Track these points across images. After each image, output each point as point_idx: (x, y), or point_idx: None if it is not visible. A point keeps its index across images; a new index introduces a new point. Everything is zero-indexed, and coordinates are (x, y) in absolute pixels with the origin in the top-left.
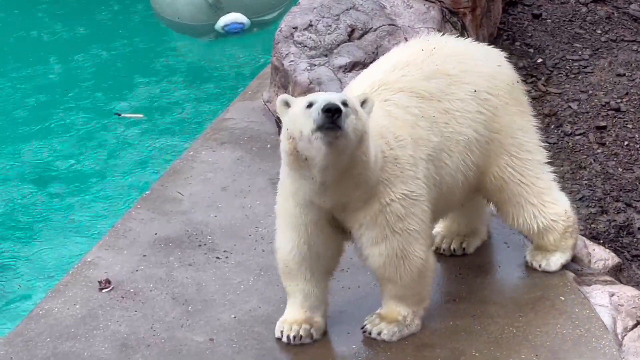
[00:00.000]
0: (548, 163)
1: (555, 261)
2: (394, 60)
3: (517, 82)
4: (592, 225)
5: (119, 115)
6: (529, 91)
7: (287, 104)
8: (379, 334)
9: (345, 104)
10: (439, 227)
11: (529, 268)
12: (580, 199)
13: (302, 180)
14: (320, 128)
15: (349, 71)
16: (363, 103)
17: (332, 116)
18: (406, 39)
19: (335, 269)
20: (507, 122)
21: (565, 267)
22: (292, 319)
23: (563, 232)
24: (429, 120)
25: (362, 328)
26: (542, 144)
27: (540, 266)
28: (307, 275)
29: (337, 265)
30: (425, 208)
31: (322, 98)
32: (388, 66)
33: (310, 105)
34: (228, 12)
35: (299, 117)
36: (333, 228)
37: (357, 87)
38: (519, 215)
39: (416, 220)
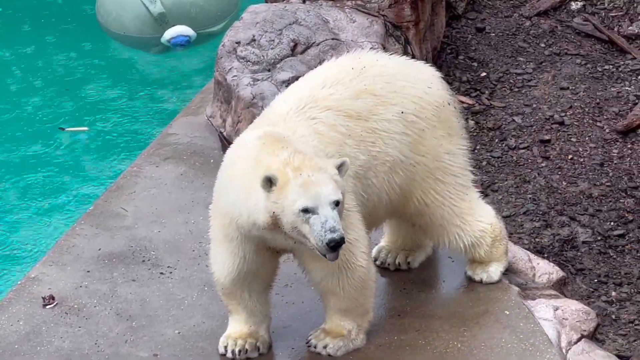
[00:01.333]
0: (475, 183)
1: (494, 271)
2: (323, 77)
3: (448, 103)
4: (537, 239)
5: (64, 129)
6: (472, 105)
7: (270, 182)
8: (325, 348)
9: (337, 203)
10: (384, 242)
11: (472, 282)
12: (524, 212)
13: (269, 234)
14: (322, 255)
15: None
16: (340, 166)
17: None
18: None
19: (273, 282)
20: (434, 145)
21: (509, 281)
22: (237, 334)
23: (491, 243)
24: (356, 139)
25: (307, 342)
26: (470, 167)
27: (482, 280)
28: (246, 295)
29: (274, 278)
30: (360, 217)
31: (323, 216)
32: (317, 82)
33: (306, 211)
34: (174, 25)
35: (290, 215)
36: (270, 249)
37: (284, 101)
38: (444, 237)
39: (354, 230)
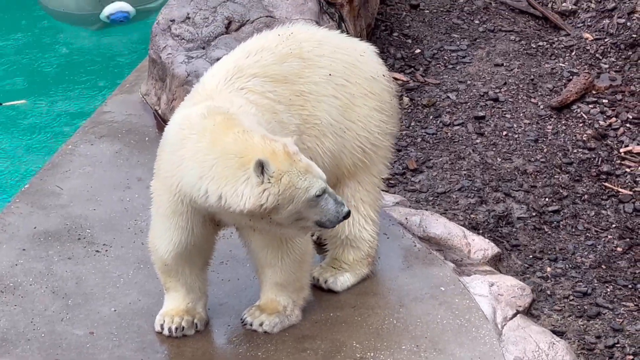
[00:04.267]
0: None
1: (343, 282)
2: (248, 47)
3: (383, 75)
4: (472, 216)
5: (1, 104)
6: (406, 82)
7: (262, 166)
8: (260, 325)
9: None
10: None
11: (408, 258)
12: (459, 189)
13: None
14: (327, 227)
15: None
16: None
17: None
18: None
19: (211, 258)
20: (365, 114)
21: (445, 257)
22: (174, 311)
23: (364, 257)
24: (286, 104)
25: (242, 321)
26: (390, 161)
27: (326, 282)
28: (187, 270)
29: (213, 254)
30: None
31: (332, 194)
32: (242, 53)
33: (320, 195)
34: (113, 1)
35: (301, 203)
36: (215, 221)
37: (213, 75)
38: None
39: None
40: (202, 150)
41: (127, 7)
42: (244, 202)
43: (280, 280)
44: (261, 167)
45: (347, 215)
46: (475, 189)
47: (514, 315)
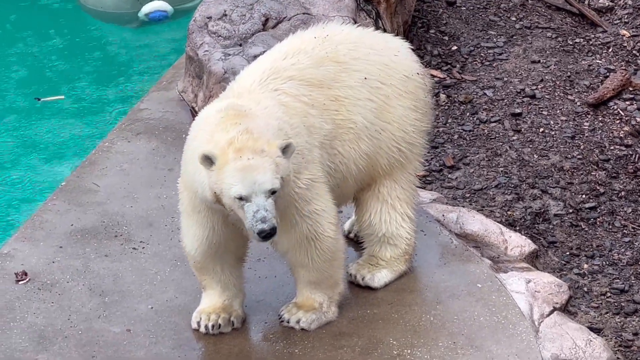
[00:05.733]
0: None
1: (380, 278)
2: (285, 48)
3: (417, 73)
4: (509, 212)
5: (39, 99)
6: (443, 79)
7: (209, 160)
8: (298, 322)
9: (273, 191)
10: (356, 215)
11: (445, 255)
12: (496, 186)
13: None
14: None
15: None
16: (285, 148)
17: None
18: None
19: (245, 255)
20: (400, 114)
21: (481, 254)
22: (210, 308)
23: (402, 254)
24: (319, 109)
25: (279, 317)
26: (424, 158)
27: (363, 279)
28: (219, 268)
29: (246, 252)
30: (327, 188)
31: (255, 205)
32: (279, 54)
33: (241, 198)
34: (151, 0)
35: (227, 198)
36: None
37: (248, 75)
38: (379, 213)
39: (322, 201)
40: (202, 143)
41: (165, 6)
42: (206, 192)
43: (313, 279)
44: (208, 159)
45: (262, 233)
46: (512, 185)
47: (551, 312)
